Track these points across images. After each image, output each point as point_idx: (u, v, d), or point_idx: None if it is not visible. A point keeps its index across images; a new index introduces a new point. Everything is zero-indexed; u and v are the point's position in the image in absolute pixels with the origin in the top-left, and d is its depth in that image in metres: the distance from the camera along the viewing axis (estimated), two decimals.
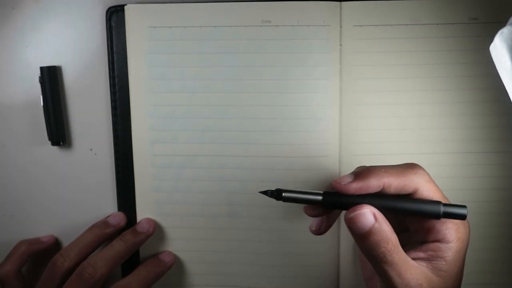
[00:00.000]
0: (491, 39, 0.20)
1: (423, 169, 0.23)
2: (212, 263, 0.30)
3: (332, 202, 0.23)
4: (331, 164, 0.29)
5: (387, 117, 0.29)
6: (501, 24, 0.19)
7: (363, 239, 0.22)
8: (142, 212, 0.30)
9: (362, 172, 0.23)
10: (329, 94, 0.28)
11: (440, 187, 0.24)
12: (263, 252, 0.30)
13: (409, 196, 0.23)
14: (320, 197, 0.23)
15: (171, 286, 0.31)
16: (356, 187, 0.22)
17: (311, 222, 0.26)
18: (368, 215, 0.22)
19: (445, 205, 0.22)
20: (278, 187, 0.24)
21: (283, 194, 0.24)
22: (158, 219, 0.30)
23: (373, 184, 0.22)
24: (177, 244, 0.30)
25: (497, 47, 0.20)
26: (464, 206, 0.23)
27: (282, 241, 0.30)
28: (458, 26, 0.28)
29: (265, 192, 0.24)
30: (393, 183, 0.22)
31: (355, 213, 0.22)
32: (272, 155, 0.29)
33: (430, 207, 0.22)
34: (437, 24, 0.28)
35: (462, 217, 0.23)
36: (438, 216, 0.22)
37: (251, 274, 0.30)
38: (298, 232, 0.30)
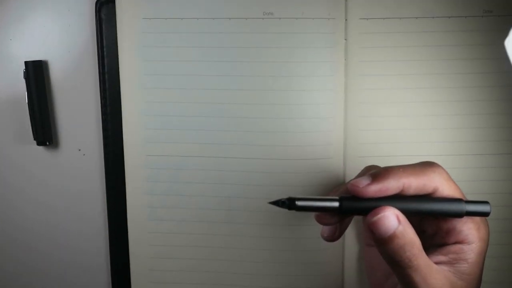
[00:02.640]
0: (506, 33, 0.19)
1: (442, 167, 0.23)
2: (208, 272, 0.30)
3: (350, 208, 0.22)
4: (336, 167, 0.28)
5: (395, 116, 0.28)
6: None
7: (387, 244, 0.21)
8: (134, 217, 0.29)
9: (380, 173, 0.22)
10: (333, 92, 0.28)
11: None
12: (263, 261, 0.29)
13: (429, 196, 0.22)
14: (336, 203, 0.22)
15: None
16: (375, 189, 0.21)
17: (323, 228, 0.25)
18: (392, 217, 0.21)
19: (467, 202, 0.22)
20: (290, 196, 0.22)
21: (297, 203, 0.22)
22: (151, 224, 0.30)
23: (393, 185, 0.22)
24: (171, 251, 0.30)
25: None
26: (486, 202, 0.22)
27: (284, 249, 0.29)
28: (472, 19, 0.28)
29: (275, 203, 0.23)
30: (413, 183, 0.22)
31: (378, 216, 0.21)
32: (272, 157, 0.28)
33: (452, 205, 0.22)
34: (449, 17, 0.28)
35: (485, 214, 0.22)
36: (461, 214, 0.22)
37: (250, 284, 0.30)
38: (300, 239, 0.29)
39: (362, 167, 0.26)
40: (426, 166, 0.22)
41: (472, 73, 0.28)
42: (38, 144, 0.30)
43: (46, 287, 0.31)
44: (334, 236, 0.25)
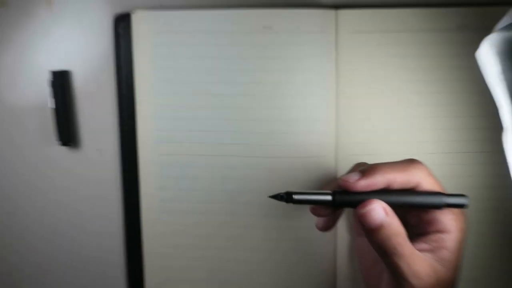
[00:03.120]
0: (478, 45, 0.20)
1: (423, 163, 0.23)
2: (213, 258, 0.30)
3: (341, 201, 0.23)
4: (328, 164, 0.29)
5: (381, 118, 0.29)
6: (488, 31, 0.20)
7: (375, 233, 0.22)
8: (147, 209, 0.30)
9: (368, 170, 0.23)
10: (326, 97, 0.29)
11: None
12: (262, 249, 0.30)
13: (412, 190, 0.23)
14: (329, 197, 0.23)
15: (175, 281, 0.31)
16: (364, 184, 0.22)
17: (317, 219, 0.26)
18: (379, 209, 0.22)
19: (446, 195, 0.23)
20: (287, 190, 0.23)
21: (294, 196, 0.23)
22: (162, 215, 0.30)
23: (379, 180, 0.22)
24: (180, 240, 0.30)
25: (485, 53, 0.20)
26: (464, 195, 0.23)
27: (281, 238, 0.30)
28: (448, 32, 0.28)
29: (274, 196, 0.23)
30: (398, 178, 0.22)
31: (367, 208, 0.22)
32: (271, 155, 0.29)
33: (433, 198, 0.23)
34: (427, 30, 0.28)
35: (463, 206, 0.23)
36: (441, 206, 0.23)
37: (250, 270, 0.30)
38: (297, 229, 0.29)
39: (352, 164, 0.27)
40: (409, 163, 0.23)
41: (450, 80, 0.29)
42: (62, 144, 0.30)
43: (66, 270, 0.32)
44: (328, 227, 0.26)
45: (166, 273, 0.31)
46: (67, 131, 0.30)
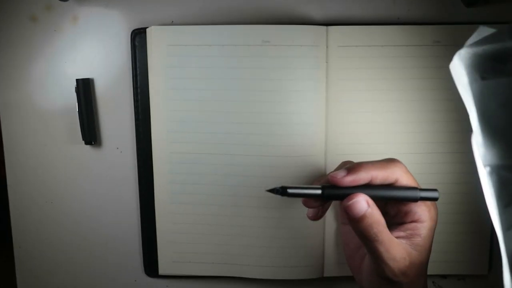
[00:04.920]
0: (451, 59, 0.20)
1: (401, 162, 0.24)
2: (217, 244, 0.31)
3: (330, 195, 0.24)
4: (318, 162, 0.30)
5: (365, 123, 0.30)
6: (459, 46, 0.19)
7: (359, 222, 0.23)
8: (160, 200, 0.31)
9: (353, 167, 0.23)
10: (317, 103, 0.29)
11: None
12: (261, 236, 0.31)
13: (392, 185, 0.24)
14: (319, 191, 0.23)
15: (183, 263, 0.31)
16: (350, 180, 0.23)
17: (308, 210, 0.26)
18: (363, 202, 0.22)
19: (421, 190, 0.23)
20: (282, 185, 0.24)
21: (288, 190, 0.23)
22: (173, 206, 0.31)
23: (363, 176, 0.23)
24: (188, 228, 0.31)
25: (456, 66, 0.20)
26: (435, 190, 0.23)
27: (277, 226, 0.30)
28: (424, 47, 0.29)
29: (271, 190, 0.24)
30: (379, 175, 0.23)
31: (352, 201, 0.23)
32: (268, 154, 0.29)
33: (409, 193, 0.23)
34: (407, 45, 0.29)
35: (435, 199, 0.23)
36: (416, 199, 0.23)
37: (249, 254, 0.31)
38: (290, 219, 0.30)
39: (340, 163, 0.28)
40: (389, 161, 0.24)
41: (425, 89, 0.29)
42: (86, 143, 0.31)
43: (91, 248, 0.32)
44: (317, 217, 0.26)
45: (176, 254, 0.31)
46: (90, 131, 0.31)
